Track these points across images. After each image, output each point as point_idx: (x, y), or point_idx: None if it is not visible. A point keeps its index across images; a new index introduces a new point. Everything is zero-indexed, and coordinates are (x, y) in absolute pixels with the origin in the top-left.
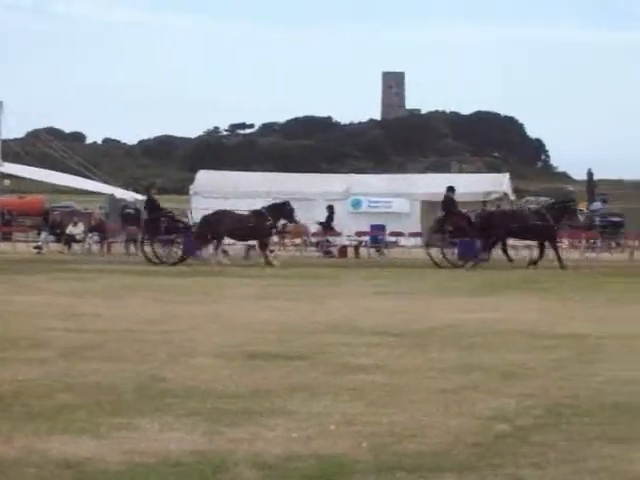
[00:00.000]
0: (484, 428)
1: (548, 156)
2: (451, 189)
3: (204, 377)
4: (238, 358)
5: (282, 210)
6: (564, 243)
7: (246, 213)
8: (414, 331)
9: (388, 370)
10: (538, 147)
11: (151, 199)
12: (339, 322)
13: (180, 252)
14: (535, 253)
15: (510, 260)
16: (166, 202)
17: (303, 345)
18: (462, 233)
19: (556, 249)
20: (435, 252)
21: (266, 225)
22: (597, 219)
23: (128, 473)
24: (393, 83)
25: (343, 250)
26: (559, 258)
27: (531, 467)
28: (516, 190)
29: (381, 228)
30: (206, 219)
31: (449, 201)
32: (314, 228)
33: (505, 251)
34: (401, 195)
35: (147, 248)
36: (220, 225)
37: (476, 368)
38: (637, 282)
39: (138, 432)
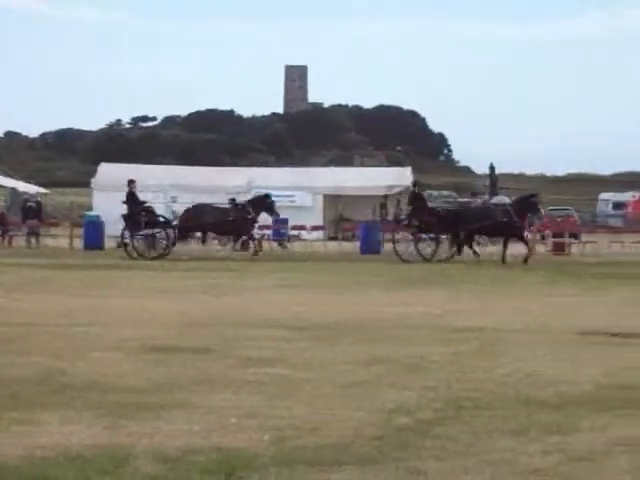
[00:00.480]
0: (386, 421)
1: (450, 150)
2: (416, 184)
3: (106, 371)
4: (140, 352)
5: (263, 203)
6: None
7: (227, 206)
8: (317, 324)
9: (291, 363)
10: (440, 141)
11: (131, 193)
12: (242, 315)
13: (161, 246)
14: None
15: (477, 255)
16: (67, 195)
17: (206, 338)
18: (429, 228)
19: (526, 243)
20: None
21: (248, 218)
22: None
23: (28, 467)
24: (296, 76)
25: (245, 244)
26: (529, 251)
27: (432, 460)
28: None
29: (283, 222)
30: (187, 213)
31: (414, 196)
32: None
33: (471, 246)
34: (303, 189)
35: (128, 243)
36: (202, 219)
37: (379, 361)
38: (550, 275)
39: (39, 426)
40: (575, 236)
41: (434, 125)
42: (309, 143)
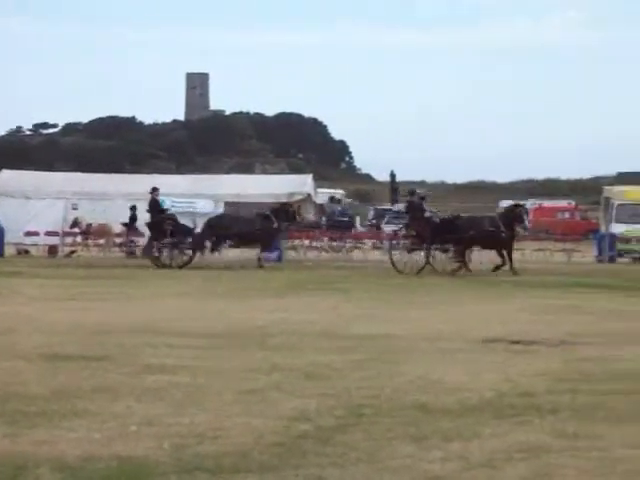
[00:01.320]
0: (286, 428)
1: (352, 157)
2: (412, 193)
3: (5, 379)
4: (40, 360)
5: (287, 213)
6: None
7: (251, 216)
8: (218, 332)
9: (192, 371)
10: (342, 148)
11: (154, 201)
12: (142, 323)
13: (186, 255)
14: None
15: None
16: None
17: (107, 346)
18: (423, 238)
19: (510, 255)
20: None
21: (273, 228)
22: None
23: None
24: (197, 84)
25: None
26: (510, 263)
27: (332, 467)
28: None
29: None
30: (211, 223)
31: (412, 206)
32: (118, 229)
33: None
34: (204, 196)
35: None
36: (226, 229)
37: (279, 369)
38: (450, 283)
39: None
40: None
41: (335, 133)
42: (210, 150)
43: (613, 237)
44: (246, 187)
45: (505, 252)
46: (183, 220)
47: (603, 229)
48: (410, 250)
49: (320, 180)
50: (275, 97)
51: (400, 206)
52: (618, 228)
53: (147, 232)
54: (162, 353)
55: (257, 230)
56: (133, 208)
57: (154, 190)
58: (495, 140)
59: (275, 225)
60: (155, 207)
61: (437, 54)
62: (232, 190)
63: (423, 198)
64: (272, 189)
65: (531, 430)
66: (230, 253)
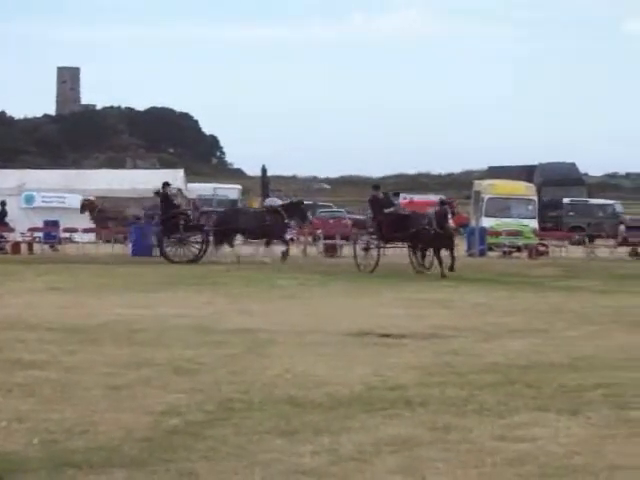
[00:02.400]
0: (156, 423)
1: (223, 153)
2: (376, 187)
3: None
4: None
5: (297, 209)
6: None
7: (262, 211)
8: (88, 327)
9: (61, 366)
10: (213, 144)
11: (165, 195)
12: (11, 318)
13: (195, 250)
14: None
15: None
16: None
17: None
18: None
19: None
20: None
21: (283, 223)
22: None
23: None
24: (68, 78)
25: (16, 246)
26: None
27: (203, 461)
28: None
29: (55, 224)
30: (223, 217)
31: (375, 201)
32: None
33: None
34: (75, 191)
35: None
36: (236, 223)
37: (149, 364)
38: (319, 277)
39: None
40: (347, 238)
41: (207, 128)
42: (82, 145)
43: (483, 231)
44: (117, 182)
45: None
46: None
47: (473, 223)
48: (366, 248)
49: (191, 175)
50: (147, 92)
51: (271, 200)
52: (488, 222)
53: (17, 227)
54: (32, 348)
55: (268, 224)
56: (3, 203)
57: (166, 185)
58: (368, 135)
59: (285, 220)
60: (167, 202)
61: (307, 48)
62: (102, 185)
63: (397, 194)
64: (143, 184)
65: (401, 423)
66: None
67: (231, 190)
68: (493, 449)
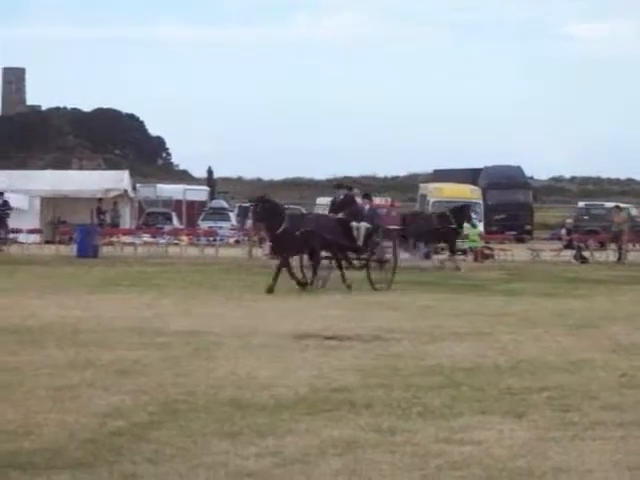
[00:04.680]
0: (99, 425)
1: (169, 154)
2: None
3: None
4: None
5: (464, 213)
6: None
7: (433, 215)
8: (30, 328)
9: (3, 367)
10: (159, 145)
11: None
12: None
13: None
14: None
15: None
16: None
17: None
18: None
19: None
20: None
21: (452, 229)
22: None
23: None
24: (13, 79)
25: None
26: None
27: (147, 463)
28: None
29: (1, 224)
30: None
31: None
32: None
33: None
34: (20, 191)
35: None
36: (411, 227)
37: (91, 365)
38: (255, 279)
39: None
40: None
41: (153, 128)
42: (27, 146)
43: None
44: (63, 183)
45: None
46: None
47: None
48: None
49: (137, 176)
50: (93, 93)
51: (217, 202)
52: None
53: None
54: None
55: (438, 229)
56: None
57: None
58: (312, 136)
59: (453, 226)
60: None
61: (256, 48)
62: (47, 186)
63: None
64: (89, 185)
65: (345, 425)
66: None
67: (200, 192)
68: (437, 452)
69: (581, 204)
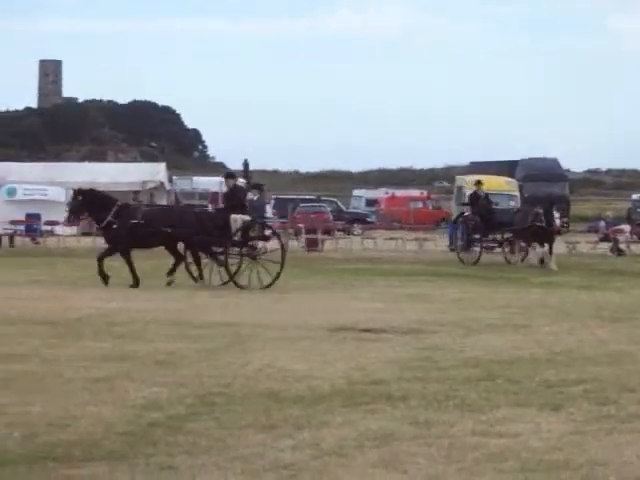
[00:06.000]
0: (136, 417)
1: (205, 146)
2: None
3: None
4: None
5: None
6: None
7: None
8: (68, 320)
9: (41, 359)
10: (195, 137)
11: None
12: None
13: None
14: None
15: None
16: None
17: None
18: None
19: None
20: None
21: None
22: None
23: None
24: (50, 71)
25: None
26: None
27: (184, 455)
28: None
29: (36, 217)
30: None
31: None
32: None
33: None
34: (56, 183)
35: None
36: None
37: (129, 357)
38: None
39: None
40: (329, 232)
41: (189, 121)
42: (63, 138)
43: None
44: (99, 175)
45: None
46: None
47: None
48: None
49: (173, 169)
50: (129, 85)
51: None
52: None
53: None
54: (11, 341)
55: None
56: None
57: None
58: (350, 129)
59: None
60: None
61: (293, 42)
62: (83, 178)
63: (258, 186)
64: (125, 177)
65: (382, 418)
66: None
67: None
68: (474, 444)
69: (635, 196)
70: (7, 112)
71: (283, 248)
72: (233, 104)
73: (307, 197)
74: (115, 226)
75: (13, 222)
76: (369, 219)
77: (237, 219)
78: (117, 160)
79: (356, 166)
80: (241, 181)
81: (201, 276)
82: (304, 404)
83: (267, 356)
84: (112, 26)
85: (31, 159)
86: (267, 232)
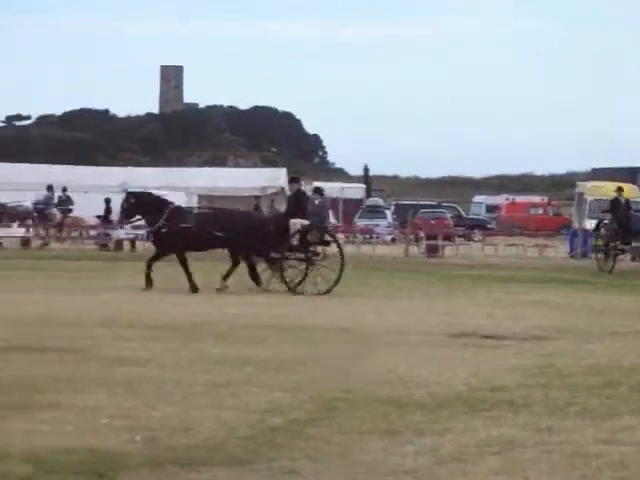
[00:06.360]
0: (258, 422)
1: (325, 152)
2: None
3: None
4: (10, 351)
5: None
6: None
7: None
8: (188, 325)
9: (162, 363)
10: (315, 143)
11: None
12: (112, 315)
13: None
14: None
15: None
16: None
17: (72, 338)
18: None
19: None
20: None
21: None
22: None
23: None
24: (171, 76)
25: (119, 243)
26: None
27: (305, 460)
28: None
29: None
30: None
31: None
32: (92, 221)
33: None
34: (177, 188)
35: None
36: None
37: (247, 362)
38: (420, 277)
39: None
40: (449, 238)
41: (309, 127)
42: (184, 144)
43: (586, 233)
44: (219, 180)
45: None
46: None
47: (576, 225)
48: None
49: (293, 174)
50: (250, 91)
51: (373, 200)
52: (591, 224)
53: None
54: (132, 345)
55: None
56: (107, 201)
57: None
58: (469, 135)
59: None
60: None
61: (407, 46)
62: (204, 183)
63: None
64: (246, 182)
65: (503, 425)
66: None
67: (357, 190)
68: (597, 452)
69: None
70: (129, 117)
71: (342, 254)
72: (353, 109)
73: (428, 203)
74: (164, 230)
75: (134, 227)
76: (489, 225)
77: (296, 223)
78: (237, 165)
79: (476, 172)
80: (361, 186)
81: (257, 282)
82: (425, 410)
83: (387, 362)
84: (234, 30)
85: (152, 164)
86: (327, 237)
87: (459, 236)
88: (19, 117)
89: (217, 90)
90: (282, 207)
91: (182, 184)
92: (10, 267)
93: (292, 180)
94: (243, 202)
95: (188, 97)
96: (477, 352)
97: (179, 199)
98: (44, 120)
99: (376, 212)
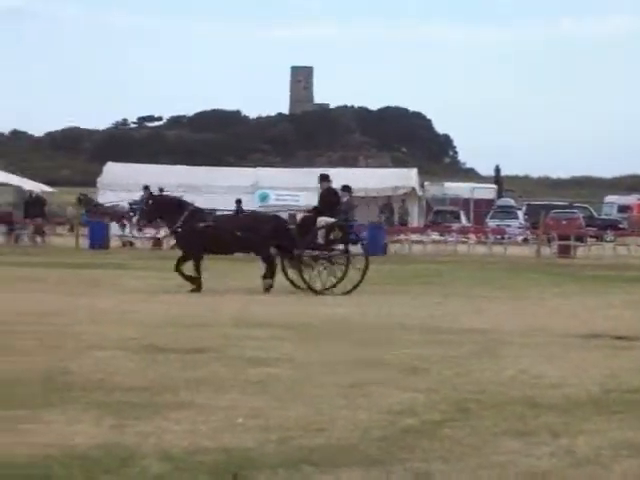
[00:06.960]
0: (391, 422)
1: (456, 152)
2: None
3: (109, 370)
4: (140, 351)
5: None
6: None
7: None
8: (317, 325)
9: (293, 363)
10: (446, 143)
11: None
12: (241, 315)
13: None
14: None
15: None
16: (73, 195)
17: (202, 338)
18: None
19: None
20: None
21: None
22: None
23: (33, 466)
24: (302, 77)
25: None
26: None
27: (438, 461)
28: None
29: None
30: None
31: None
32: None
33: None
34: (308, 189)
35: None
36: None
37: (377, 362)
38: (554, 278)
39: (43, 425)
40: (581, 239)
41: (440, 127)
42: (314, 144)
43: None
44: (350, 180)
45: None
46: None
47: None
48: None
49: (423, 174)
50: (379, 91)
51: (504, 200)
52: None
53: None
54: (264, 346)
55: None
56: (238, 201)
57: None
58: (600, 134)
59: None
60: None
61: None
62: (335, 184)
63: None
64: (377, 183)
65: (637, 427)
66: None
67: (488, 190)
68: None
69: None
70: (260, 118)
71: (367, 255)
72: (484, 110)
73: (559, 203)
74: (180, 230)
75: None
76: (621, 225)
77: (320, 221)
78: (367, 166)
79: (607, 172)
80: (492, 187)
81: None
82: (559, 411)
83: (520, 362)
84: (364, 31)
85: (283, 165)
86: (351, 236)
87: (591, 236)
88: (151, 118)
89: (347, 91)
90: (414, 207)
91: (313, 184)
92: (144, 267)
93: (322, 178)
94: (375, 202)
95: (318, 98)
96: (610, 353)
97: (310, 200)
98: (175, 121)
99: (508, 212)
